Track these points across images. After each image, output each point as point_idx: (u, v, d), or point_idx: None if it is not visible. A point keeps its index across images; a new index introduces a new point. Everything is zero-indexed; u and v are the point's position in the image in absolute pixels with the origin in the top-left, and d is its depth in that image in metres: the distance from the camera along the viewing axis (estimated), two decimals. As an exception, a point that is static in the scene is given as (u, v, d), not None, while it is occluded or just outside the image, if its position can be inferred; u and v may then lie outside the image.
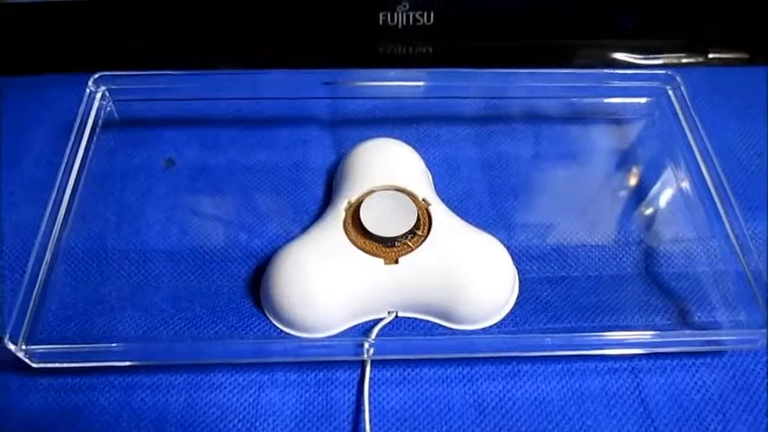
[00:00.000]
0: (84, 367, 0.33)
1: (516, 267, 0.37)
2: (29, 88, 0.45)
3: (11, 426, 0.32)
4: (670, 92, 0.42)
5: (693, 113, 0.40)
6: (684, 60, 0.52)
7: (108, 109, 0.42)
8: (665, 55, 0.52)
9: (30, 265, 0.34)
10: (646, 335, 0.33)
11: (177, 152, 0.43)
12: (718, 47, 0.52)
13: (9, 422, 0.32)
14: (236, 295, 0.37)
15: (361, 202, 0.36)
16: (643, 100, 0.44)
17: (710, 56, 0.52)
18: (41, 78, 0.46)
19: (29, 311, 0.33)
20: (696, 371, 0.34)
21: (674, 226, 0.40)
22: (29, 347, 0.31)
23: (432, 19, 0.50)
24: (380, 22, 0.50)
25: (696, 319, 0.36)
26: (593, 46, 0.52)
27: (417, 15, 0.50)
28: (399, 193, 0.37)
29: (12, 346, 0.31)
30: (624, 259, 0.39)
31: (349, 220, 0.36)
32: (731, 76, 0.49)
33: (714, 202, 0.38)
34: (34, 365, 0.32)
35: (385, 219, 0.35)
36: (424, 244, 0.35)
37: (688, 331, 0.35)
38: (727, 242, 0.37)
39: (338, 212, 0.37)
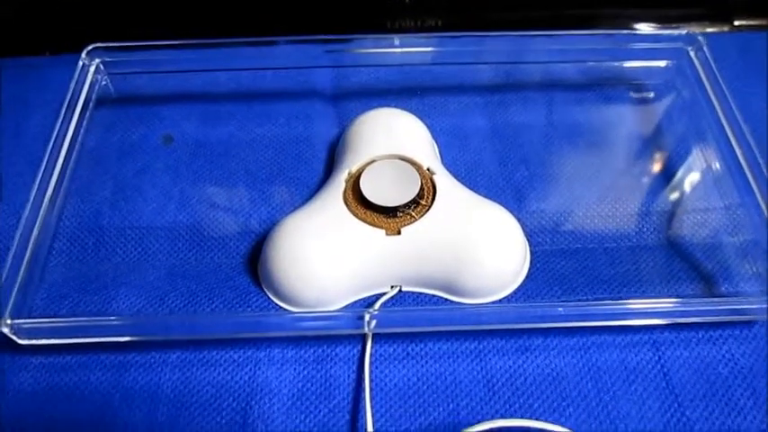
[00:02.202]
0: (76, 344, 0.32)
1: (528, 240, 0.35)
2: (30, 68, 0.45)
3: (1, 406, 0.31)
4: (692, 53, 0.40)
5: (719, 76, 0.38)
6: (709, 30, 0.49)
7: (103, 83, 0.41)
8: (689, 24, 0.49)
9: (15, 240, 0.33)
10: (668, 303, 0.31)
11: (176, 127, 0.41)
12: (743, 14, 0.50)
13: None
14: (235, 272, 0.35)
15: (362, 171, 0.35)
16: (663, 63, 0.42)
17: (736, 23, 0.50)
18: (43, 59, 0.46)
19: (16, 287, 0.32)
20: (723, 343, 0.32)
21: (698, 195, 0.38)
22: (14, 322, 0.30)
23: (441, -10, 0.48)
24: (388, -5, 0.48)
25: (723, 290, 0.33)
26: (613, 16, 0.50)
27: (426, -12, 0.48)
28: (401, 162, 0.35)
29: (-4, 322, 0.30)
30: (644, 230, 0.36)
31: (349, 191, 0.34)
32: (758, 42, 0.47)
33: (742, 170, 0.35)
34: (21, 342, 0.31)
35: (386, 188, 0.34)
36: (427, 214, 0.33)
37: (714, 299, 0.32)
38: (757, 211, 0.34)
39: (338, 183, 0.35)
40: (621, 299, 0.33)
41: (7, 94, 0.43)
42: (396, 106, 0.39)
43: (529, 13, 0.50)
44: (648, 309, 0.31)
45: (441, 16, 0.49)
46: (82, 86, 0.39)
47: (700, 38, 0.40)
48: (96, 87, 0.40)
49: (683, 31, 0.40)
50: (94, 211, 0.38)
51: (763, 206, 0.34)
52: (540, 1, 0.50)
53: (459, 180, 0.36)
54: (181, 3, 0.47)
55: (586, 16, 0.50)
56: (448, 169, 0.37)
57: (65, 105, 0.37)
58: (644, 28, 0.49)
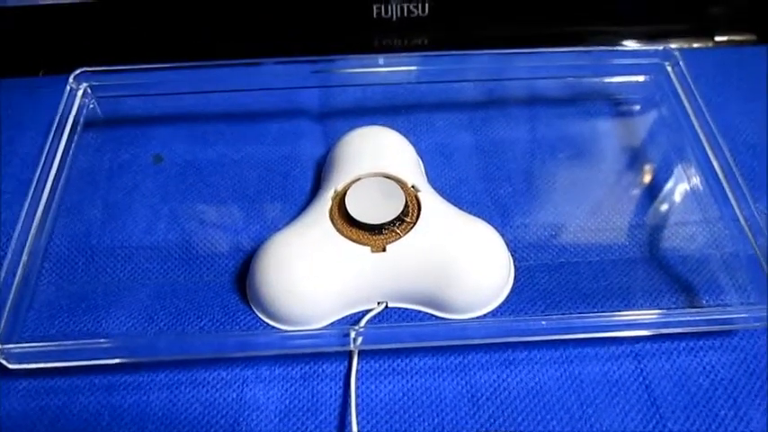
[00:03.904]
0: (63, 367, 0.32)
1: (512, 255, 0.36)
2: (24, 88, 0.45)
3: None
4: (669, 68, 0.41)
5: (695, 90, 0.39)
6: (695, 45, 0.50)
7: (91, 106, 0.41)
8: (671, 40, 0.50)
9: (5, 263, 0.33)
10: (649, 314, 0.31)
11: (165, 147, 0.42)
12: (724, 30, 0.51)
13: None
14: (223, 290, 0.36)
15: (348, 189, 0.35)
16: (641, 78, 0.43)
17: (717, 39, 0.51)
18: (37, 79, 0.46)
19: (6, 311, 0.32)
20: (704, 354, 0.32)
21: (678, 208, 0.38)
22: (5, 347, 0.31)
23: (427, 10, 0.49)
24: (375, 14, 0.49)
25: (704, 302, 0.34)
26: (597, 32, 0.51)
27: (412, 7, 0.49)
28: (386, 180, 0.36)
29: (-14, 347, 0.30)
30: (627, 244, 0.37)
31: (335, 209, 0.35)
32: (737, 57, 0.48)
33: (720, 183, 0.36)
34: (11, 366, 0.31)
35: (372, 206, 0.34)
36: (412, 231, 0.34)
37: (693, 309, 0.33)
38: (735, 224, 0.35)
39: (325, 201, 0.35)
40: (604, 312, 0.33)
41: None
42: (381, 124, 0.40)
43: (514, 31, 0.50)
44: (630, 320, 0.31)
45: (427, 35, 0.50)
46: (70, 110, 0.39)
47: (676, 53, 0.41)
48: (84, 111, 0.41)
49: (660, 47, 0.41)
50: (84, 231, 0.38)
51: (741, 219, 0.34)
52: (525, 19, 0.50)
53: (444, 197, 0.36)
54: (172, 25, 0.48)
55: (571, 34, 0.51)
56: (433, 186, 0.37)
57: (53, 128, 0.38)
58: (629, 44, 0.49)
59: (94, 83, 0.41)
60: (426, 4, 0.49)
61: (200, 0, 0.47)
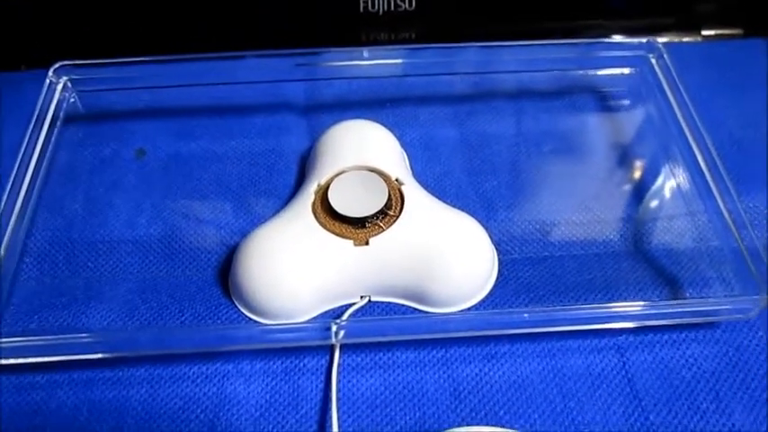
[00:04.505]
0: (43, 362, 0.31)
1: (496, 249, 0.36)
2: (4, 83, 0.44)
3: None
4: (653, 60, 0.40)
5: (679, 83, 0.39)
6: (685, 39, 0.50)
7: (71, 101, 0.41)
8: (659, 34, 0.50)
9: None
10: (631, 306, 0.31)
11: (148, 142, 0.41)
12: (711, 24, 0.51)
13: None
14: (206, 284, 0.35)
15: (331, 183, 0.35)
16: (627, 71, 0.42)
17: (704, 33, 0.51)
18: (18, 74, 0.46)
19: (-16, 304, 0.32)
20: (687, 347, 0.32)
21: (663, 202, 0.38)
22: (-19, 343, 0.30)
23: (414, 4, 0.49)
24: (362, 8, 0.49)
25: (687, 294, 0.34)
26: (583, 27, 0.51)
27: (399, 1, 0.49)
28: (369, 173, 0.35)
29: (-38, 344, 0.30)
30: (611, 237, 0.37)
31: (318, 202, 0.35)
32: (724, 50, 0.48)
33: (704, 176, 0.36)
34: (-9, 361, 0.31)
35: (354, 199, 0.34)
36: (395, 224, 0.33)
37: (676, 301, 0.33)
38: (719, 218, 0.35)
39: (308, 195, 0.35)
40: (587, 304, 0.33)
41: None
42: (366, 118, 0.39)
43: (501, 25, 0.50)
44: (613, 312, 0.31)
45: (414, 29, 0.50)
46: (49, 104, 0.39)
47: (660, 45, 0.41)
48: (64, 105, 0.41)
49: (644, 40, 0.41)
50: (65, 225, 0.38)
51: (725, 212, 0.34)
52: (507, 13, 0.50)
53: (428, 190, 0.36)
54: (153, 18, 0.48)
55: (560, 28, 0.51)
56: (418, 180, 0.37)
57: (32, 122, 0.38)
58: (618, 38, 0.49)
59: (75, 76, 0.41)
60: (413, -2, 0.48)
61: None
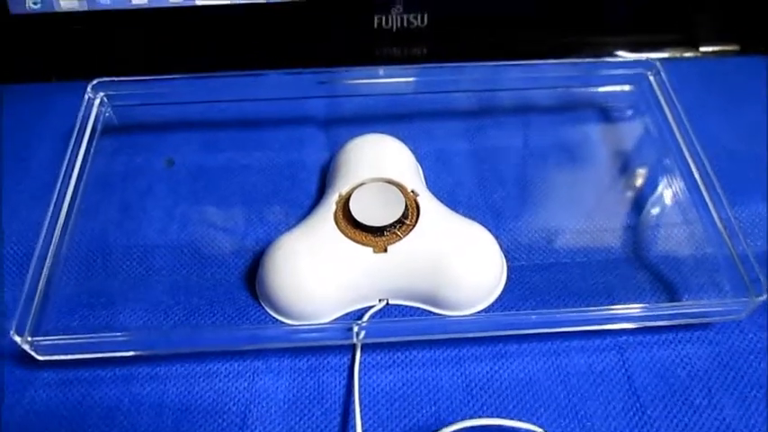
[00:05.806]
0: (86, 359, 0.34)
1: (505, 255, 0.38)
2: (35, 95, 0.47)
3: (13, 420, 0.33)
4: (651, 78, 0.43)
5: (675, 99, 0.41)
6: (677, 54, 0.52)
7: (107, 114, 0.44)
8: (657, 50, 0.52)
9: (33, 261, 0.35)
10: (631, 309, 0.34)
11: (177, 153, 0.44)
12: (709, 40, 0.53)
13: (12, 416, 0.33)
14: (234, 287, 0.38)
15: (351, 193, 0.37)
16: (627, 87, 0.45)
17: (702, 49, 0.53)
18: (49, 86, 0.48)
19: (34, 305, 0.34)
20: (683, 347, 0.35)
21: (661, 212, 0.41)
22: (34, 339, 0.33)
23: (426, 21, 0.51)
24: (375, 25, 0.51)
25: (683, 298, 0.36)
26: (585, 43, 0.53)
27: (411, 18, 0.51)
28: (388, 185, 0.38)
29: (18, 339, 0.32)
30: (612, 245, 0.39)
31: (339, 212, 0.37)
32: (721, 67, 0.50)
33: (698, 188, 0.38)
34: (39, 358, 0.33)
35: (374, 209, 0.36)
36: (411, 233, 0.36)
37: (674, 303, 0.35)
38: (712, 226, 0.37)
39: (330, 205, 0.38)
40: (590, 307, 0.36)
41: (13, 121, 0.46)
42: (383, 132, 0.42)
43: (505, 42, 0.53)
44: (613, 314, 0.34)
45: (426, 45, 0.53)
46: (88, 118, 0.41)
47: (657, 63, 0.43)
48: (101, 118, 0.43)
49: (643, 57, 0.43)
50: (101, 230, 0.40)
51: (718, 221, 0.37)
52: (515, 30, 0.53)
53: (441, 201, 0.39)
54: (183, 38, 0.50)
55: (563, 45, 0.53)
56: (431, 191, 0.39)
57: (73, 136, 0.40)
58: (619, 54, 0.52)
59: (110, 92, 0.43)
60: (425, 16, 0.51)
61: (210, 16, 0.49)
